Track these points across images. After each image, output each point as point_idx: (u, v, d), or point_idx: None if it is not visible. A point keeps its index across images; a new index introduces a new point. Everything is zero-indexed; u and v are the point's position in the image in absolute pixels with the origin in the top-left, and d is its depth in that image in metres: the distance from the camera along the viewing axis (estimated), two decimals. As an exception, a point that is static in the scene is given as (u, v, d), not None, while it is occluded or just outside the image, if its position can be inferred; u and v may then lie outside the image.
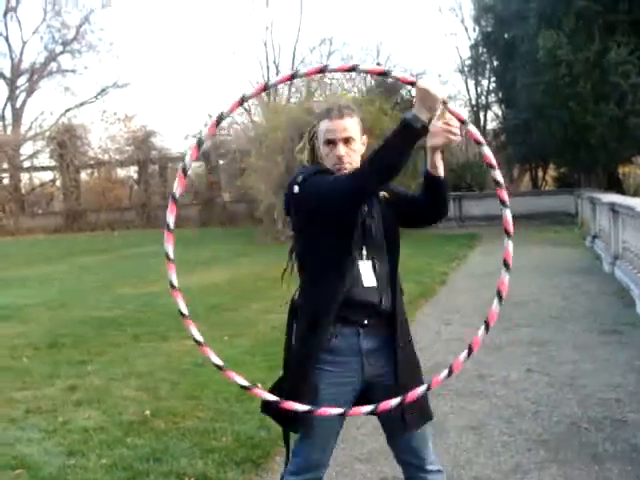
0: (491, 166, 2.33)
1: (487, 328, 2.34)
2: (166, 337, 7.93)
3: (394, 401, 2.42)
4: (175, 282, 2.46)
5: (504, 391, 5.50)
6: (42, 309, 10.35)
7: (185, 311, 2.45)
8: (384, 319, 2.68)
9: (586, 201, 18.87)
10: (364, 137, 2.76)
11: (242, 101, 2.40)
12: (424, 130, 2.37)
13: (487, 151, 2.33)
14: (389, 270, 2.71)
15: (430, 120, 2.45)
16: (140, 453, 4.40)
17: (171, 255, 2.46)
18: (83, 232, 31.78)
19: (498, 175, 2.35)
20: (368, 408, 2.47)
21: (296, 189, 2.64)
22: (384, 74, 2.44)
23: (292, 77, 2.52)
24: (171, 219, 2.42)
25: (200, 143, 2.42)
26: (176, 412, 5.17)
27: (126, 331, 8.41)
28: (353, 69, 2.42)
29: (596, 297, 9.59)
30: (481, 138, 2.36)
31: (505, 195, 2.36)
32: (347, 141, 2.64)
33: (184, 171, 2.39)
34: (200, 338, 2.48)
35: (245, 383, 2.45)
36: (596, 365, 6.15)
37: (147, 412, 5.20)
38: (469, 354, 2.38)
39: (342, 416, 2.57)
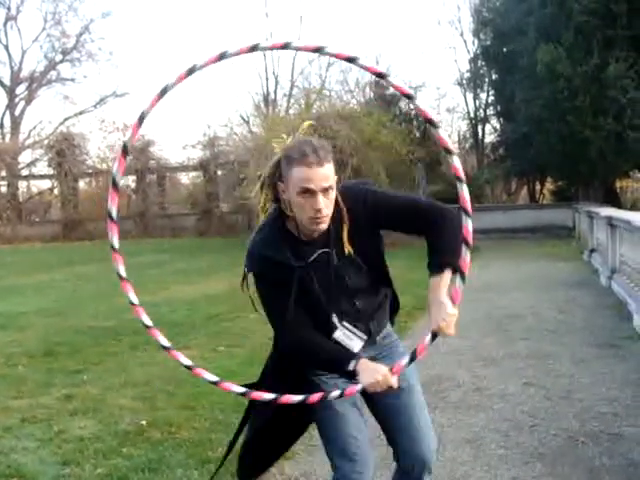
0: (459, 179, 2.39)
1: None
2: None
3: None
4: (135, 300, 2.57)
5: (501, 404, 5.49)
6: (38, 317, 10.32)
7: (149, 323, 2.62)
8: None
9: (584, 215, 18.90)
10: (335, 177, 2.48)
11: (163, 93, 2.34)
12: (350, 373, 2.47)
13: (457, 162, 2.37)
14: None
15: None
16: (136, 463, 4.38)
17: (122, 274, 2.57)
18: (81, 241, 31.71)
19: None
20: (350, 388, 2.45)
21: (245, 269, 2.67)
22: (351, 60, 2.29)
23: (252, 49, 2.29)
24: (114, 239, 2.49)
25: (125, 149, 2.44)
26: (172, 422, 5.15)
27: (123, 340, 8.39)
28: (317, 50, 2.29)
29: (593, 311, 9.59)
30: (452, 147, 2.39)
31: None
32: (326, 191, 2.39)
33: (114, 184, 2.40)
34: (167, 344, 2.69)
35: (214, 378, 2.55)
36: (593, 379, 6.14)
37: (143, 422, 5.18)
38: (433, 339, 2.44)
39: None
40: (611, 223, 11.89)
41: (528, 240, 22.61)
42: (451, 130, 39.07)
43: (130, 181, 36.32)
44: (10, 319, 10.17)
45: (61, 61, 44.85)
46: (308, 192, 2.36)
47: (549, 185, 34.77)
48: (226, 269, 16.98)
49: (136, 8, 57.37)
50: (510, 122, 29.23)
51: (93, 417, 5.40)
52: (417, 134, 30.21)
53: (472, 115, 36.07)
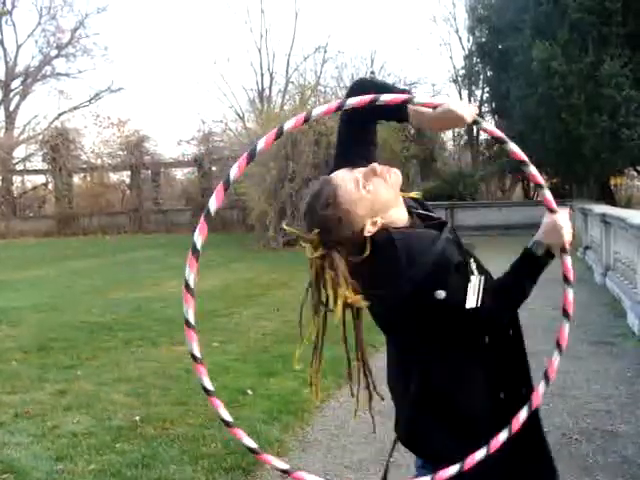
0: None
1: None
2: (157, 343, 7.91)
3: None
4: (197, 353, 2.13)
5: (495, 401, 5.48)
6: (32, 312, 10.29)
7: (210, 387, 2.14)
8: None
9: (578, 212, 18.91)
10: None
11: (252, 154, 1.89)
12: (548, 257, 2.30)
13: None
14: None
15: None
16: (129, 459, 4.38)
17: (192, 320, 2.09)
18: (75, 236, 31.67)
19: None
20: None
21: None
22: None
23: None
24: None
25: (227, 183, 2.00)
26: (166, 418, 5.15)
27: (117, 336, 8.37)
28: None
29: (587, 308, 9.59)
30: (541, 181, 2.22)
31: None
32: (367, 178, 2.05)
33: (207, 215, 2.00)
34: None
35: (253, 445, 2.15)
36: (587, 376, 6.15)
37: (137, 418, 5.17)
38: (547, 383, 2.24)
39: None
40: (605, 220, 11.90)
41: (522, 237, 22.36)
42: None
43: (125, 176, 36.30)
44: (4, 314, 10.14)
45: (56, 56, 44.68)
46: (375, 174, 2.07)
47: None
48: (220, 265, 16.95)
49: (131, 3, 57.30)
50: (505, 119, 29.24)
51: (87, 412, 5.39)
52: (411, 131, 30.21)
53: (467, 112, 36.06)
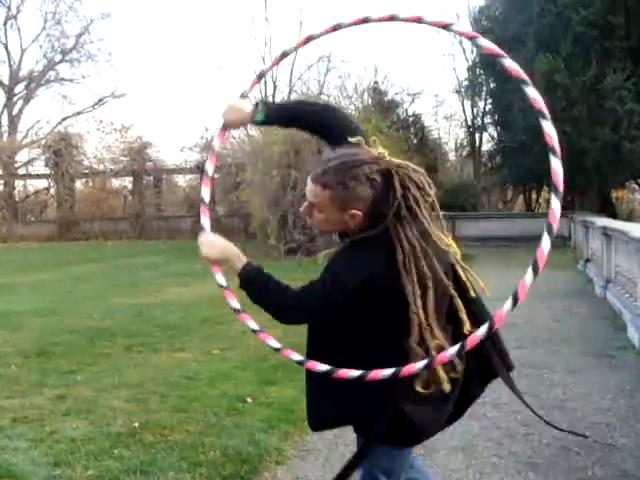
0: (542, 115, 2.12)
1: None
2: (157, 349, 7.90)
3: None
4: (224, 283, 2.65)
5: (494, 412, 5.48)
6: (33, 317, 10.29)
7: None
8: None
9: (579, 225, 18.92)
10: (351, 212, 2.32)
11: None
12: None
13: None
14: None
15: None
16: (127, 465, 4.36)
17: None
18: (76, 241, 31.68)
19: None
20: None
21: None
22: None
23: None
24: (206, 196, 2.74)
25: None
26: (165, 425, 5.13)
27: (117, 342, 8.36)
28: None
29: (588, 320, 9.60)
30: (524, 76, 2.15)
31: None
32: (311, 205, 2.42)
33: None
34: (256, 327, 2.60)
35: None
36: (587, 388, 6.15)
37: (136, 424, 5.16)
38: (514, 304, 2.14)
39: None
40: (606, 233, 11.90)
41: (523, 248, 22.48)
42: (448, 137, 39.18)
43: (127, 182, 36.33)
44: (5, 318, 10.14)
45: (60, 61, 44.87)
46: None
47: (545, 194, 34.85)
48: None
49: (136, 10, 57.52)
50: (507, 131, 29.32)
51: (85, 418, 5.38)
52: (414, 141, 30.28)
53: (470, 123, 36.19)
